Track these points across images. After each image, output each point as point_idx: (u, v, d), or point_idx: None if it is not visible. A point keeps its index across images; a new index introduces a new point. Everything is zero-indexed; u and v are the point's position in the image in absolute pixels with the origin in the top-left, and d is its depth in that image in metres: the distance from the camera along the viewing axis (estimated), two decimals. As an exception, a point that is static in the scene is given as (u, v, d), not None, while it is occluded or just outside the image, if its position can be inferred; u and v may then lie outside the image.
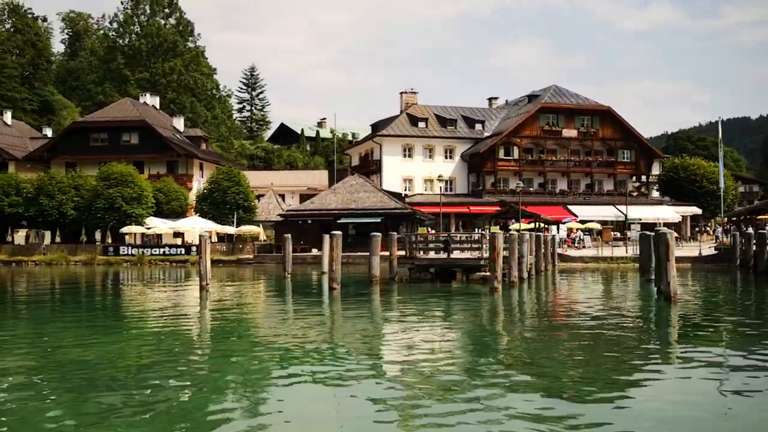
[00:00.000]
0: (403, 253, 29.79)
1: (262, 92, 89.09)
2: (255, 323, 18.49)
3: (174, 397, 9.75)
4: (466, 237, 31.14)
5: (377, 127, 67.24)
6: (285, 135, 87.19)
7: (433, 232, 50.70)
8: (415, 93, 67.26)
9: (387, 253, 30.14)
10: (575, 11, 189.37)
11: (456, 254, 27.95)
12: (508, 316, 19.35)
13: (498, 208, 59.11)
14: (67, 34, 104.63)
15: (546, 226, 48.23)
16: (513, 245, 23.67)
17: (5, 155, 61.18)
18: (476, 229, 49.42)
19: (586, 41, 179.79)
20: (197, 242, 54.60)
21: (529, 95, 67.84)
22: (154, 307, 22.73)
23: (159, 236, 54.96)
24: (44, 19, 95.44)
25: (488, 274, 26.58)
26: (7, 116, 67.97)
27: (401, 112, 66.26)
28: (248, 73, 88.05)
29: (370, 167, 63.67)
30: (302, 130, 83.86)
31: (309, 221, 48.52)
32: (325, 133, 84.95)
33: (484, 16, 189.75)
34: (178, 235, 56.06)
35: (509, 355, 12.96)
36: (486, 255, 26.26)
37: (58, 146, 60.70)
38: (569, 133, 63.67)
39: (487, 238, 27.58)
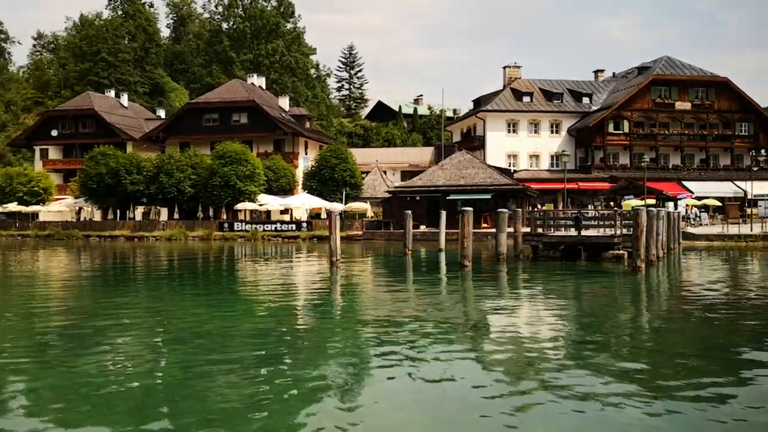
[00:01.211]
0: (527, 230, 29.28)
1: (360, 71, 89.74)
2: (395, 299, 18.43)
3: (306, 375, 9.55)
4: (599, 213, 30.26)
5: (479, 103, 66.43)
6: (382, 112, 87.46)
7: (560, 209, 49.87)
8: (518, 67, 65.90)
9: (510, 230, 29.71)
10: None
11: (586, 232, 27.26)
12: (656, 296, 18.72)
13: (608, 185, 57.54)
14: (171, 18, 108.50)
15: (661, 202, 46.46)
16: (652, 222, 22.84)
17: (124, 135, 64.26)
18: (589, 206, 48.13)
19: (685, 10, 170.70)
20: (304, 218, 56.42)
21: (638, 67, 65.18)
22: (290, 282, 23.39)
23: (267, 212, 56.53)
24: (150, 5, 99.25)
25: (622, 252, 25.89)
26: (124, 98, 71.27)
27: (504, 86, 65.13)
28: (346, 53, 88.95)
29: (473, 143, 63.00)
30: (400, 107, 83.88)
31: (417, 198, 48.55)
32: (422, 110, 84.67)
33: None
34: (285, 212, 57.51)
35: (659, 343, 12.04)
36: (620, 232, 25.51)
37: (173, 126, 63.19)
38: (683, 105, 60.89)
39: (620, 214, 26.81)
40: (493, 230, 46.61)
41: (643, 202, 45.23)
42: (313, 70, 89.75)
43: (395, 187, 51.08)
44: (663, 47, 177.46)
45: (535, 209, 47.25)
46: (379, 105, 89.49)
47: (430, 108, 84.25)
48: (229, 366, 10.10)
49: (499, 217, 27.02)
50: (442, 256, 33.39)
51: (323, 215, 51.84)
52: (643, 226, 21.45)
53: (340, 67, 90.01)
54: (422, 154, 69.63)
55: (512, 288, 20.44)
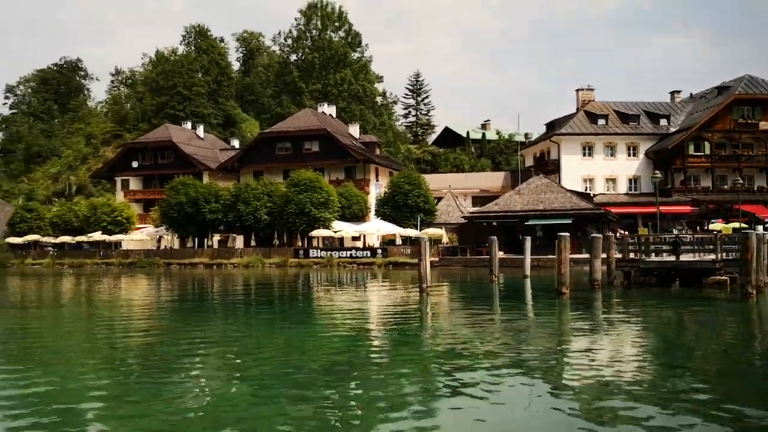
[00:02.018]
0: (619, 255, 28.38)
1: (426, 97, 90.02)
2: (494, 329, 17.95)
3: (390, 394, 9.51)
4: (698, 238, 29.12)
5: (553, 126, 65.54)
6: (449, 138, 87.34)
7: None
8: (592, 89, 64.86)
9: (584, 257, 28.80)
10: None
11: (683, 256, 26.22)
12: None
13: (690, 208, 55.68)
14: (240, 52, 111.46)
15: (752, 225, 44.54)
16: (761, 246, 21.77)
17: (200, 166, 65.93)
18: (674, 230, 46.54)
19: (751, 27, 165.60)
20: (376, 244, 56.51)
21: (718, 87, 63.19)
22: (380, 309, 23.19)
23: (340, 239, 56.77)
24: (221, 40, 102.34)
25: (724, 278, 24.77)
26: (200, 130, 73.29)
27: (578, 109, 64.13)
28: (413, 79, 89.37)
29: (547, 167, 62.03)
30: (468, 132, 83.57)
31: (494, 223, 47.94)
32: (490, 135, 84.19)
33: (642, 7, 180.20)
34: (356, 238, 57.67)
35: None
36: (721, 257, 24.44)
37: (247, 156, 64.49)
38: (767, 125, 58.61)
39: (720, 238, 25.72)
40: (575, 256, 45.73)
41: (730, 226, 43.50)
42: (379, 98, 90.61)
43: (471, 212, 50.64)
44: (736, 66, 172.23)
45: (622, 234, 46.00)
46: (446, 131, 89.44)
47: (498, 133, 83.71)
48: (314, 391, 10.05)
49: (593, 243, 26.24)
50: (528, 283, 32.72)
51: (398, 241, 51.78)
52: (753, 249, 20.44)
53: (406, 94, 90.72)
54: (493, 180, 68.97)
55: (614, 317, 19.67)
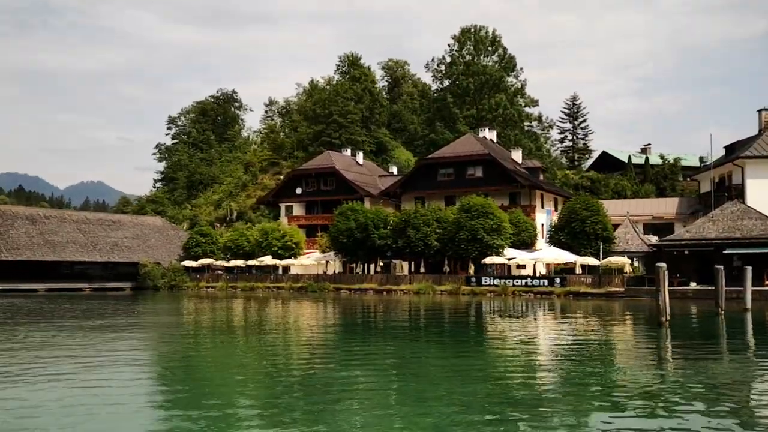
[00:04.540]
0: None
1: (583, 121, 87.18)
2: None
3: None
4: None
5: (733, 150, 61.18)
6: (607, 163, 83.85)
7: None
8: (777, 109, 60.08)
9: None
10: None
11: None
12: None
13: None
14: (386, 81, 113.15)
15: None
16: None
17: (362, 192, 66.74)
18: None
19: None
20: (541, 272, 54.54)
21: None
22: (612, 346, 21.60)
23: (508, 267, 55.15)
24: (368, 69, 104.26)
25: None
26: (359, 157, 74.49)
27: (760, 131, 59.55)
28: (570, 102, 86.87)
29: (729, 192, 57.73)
30: (629, 157, 79.85)
31: (685, 252, 44.82)
32: (653, 160, 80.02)
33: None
34: (521, 266, 55.87)
35: None
36: None
37: (408, 182, 64.61)
38: None
39: None
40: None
41: None
42: (535, 122, 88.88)
43: (660, 240, 47.69)
44: None
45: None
46: (604, 155, 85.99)
47: (662, 157, 79.37)
48: None
49: None
50: (749, 317, 29.96)
51: (578, 270, 49.63)
52: None
53: (562, 118, 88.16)
54: (667, 206, 65.19)
55: None
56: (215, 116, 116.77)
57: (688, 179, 76.33)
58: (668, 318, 24.13)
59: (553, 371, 16.10)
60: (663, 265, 24.66)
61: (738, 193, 56.93)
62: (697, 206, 62.91)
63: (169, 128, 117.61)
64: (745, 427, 10.24)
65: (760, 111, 60.68)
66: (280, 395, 13.12)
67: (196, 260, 64.48)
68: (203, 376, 15.89)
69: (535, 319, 32.58)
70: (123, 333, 25.74)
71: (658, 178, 77.73)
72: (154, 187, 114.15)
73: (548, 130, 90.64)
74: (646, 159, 79.93)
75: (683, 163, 79.22)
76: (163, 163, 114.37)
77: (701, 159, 75.64)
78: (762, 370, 16.06)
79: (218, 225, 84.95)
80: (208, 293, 57.88)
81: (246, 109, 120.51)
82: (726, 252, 43.04)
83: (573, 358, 18.12)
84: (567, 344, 21.51)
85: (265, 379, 15.24)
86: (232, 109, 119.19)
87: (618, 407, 11.80)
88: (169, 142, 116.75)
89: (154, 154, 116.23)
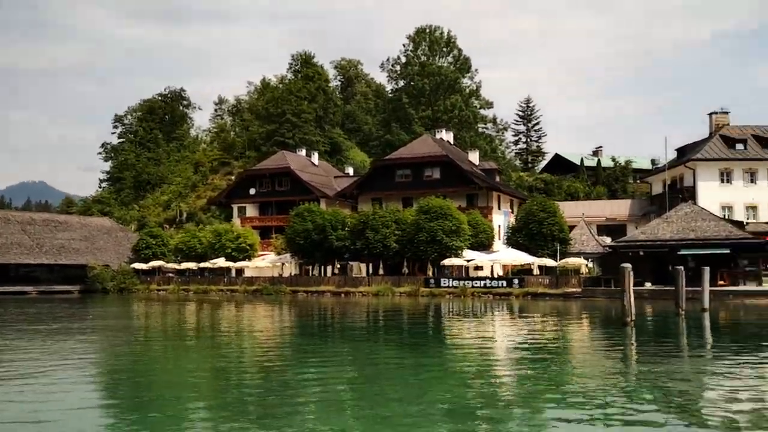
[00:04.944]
0: None
1: (537, 123, 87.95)
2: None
3: None
4: None
5: (684, 152, 62.55)
6: (559, 165, 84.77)
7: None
8: (726, 113, 61.64)
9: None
10: None
11: None
12: None
13: None
14: (339, 81, 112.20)
15: None
16: None
17: (318, 193, 65.81)
18: None
19: None
20: (498, 274, 54.64)
21: None
22: (580, 347, 21.46)
23: (462, 268, 54.95)
24: (321, 67, 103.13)
25: None
26: (314, 157, 73.48)
27: (711, 134, 61.01)
28: (524, 105, 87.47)
29: (681, 194, 58.94)
30: (582, 159, 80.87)
31: (640, 252, 45.35)
32: (605, 162, 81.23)
33: (743, 34, 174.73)
34: (478, 267, 55.90)
35: None
36: None
37: (365, 183, 63.95)
38: None
39: None
40: (733, 288, 42.73)
41: None
42: (490, 124, 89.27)
43: (616, 241, 48.19)
44: None
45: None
46: (556, 158, 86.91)
47: (614, 159, 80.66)
48: None
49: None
50: (706, 317, 30.30)
51: (535, 271, 49.78)
52: None
53: (516, 121, 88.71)
54: (619, 208, 66.21)
55: None
56: (163, 115, 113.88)
57: (639, 181, 77.78)
58: (633, 318, 24.12)
59: (518, 373, 16.14)
60: (628, 265, 24.67)
61: (690, 194, 58.14)
62: (649, 208, 64.07)
63: (115, 127, 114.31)
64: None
65: (710, 114, 62.17)
66: (232, 400, 13.08)
67: (147, 262, 62.56)
68: (154, 380, 15.74)
69: (493, 320, 32.54)
70: (74, 337, 24.58)
71: (609, 180, 78.96)
72: (100, 188, 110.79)
73: (503, 132, 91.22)
74: (598, 161, 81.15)
75: (634, 165, 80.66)
76: (110, 163, 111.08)
77: (653, 161, 77.19)
78: (727, 368, 15.96)
79: (167, 226, 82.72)
80: (160, 296, 56.18)
81: (195, 107, 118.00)
82: (680, 253, 43.72)
83: (535, 358, 18.02)
84: (532, 345, 21.27)
85: (218, 383, 15.21)
86: (181, 107, 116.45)
87: (580, 407, 11.75)
88: (115, 141, 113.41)
89: (100, 153, 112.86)
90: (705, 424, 10.62)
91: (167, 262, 62.90)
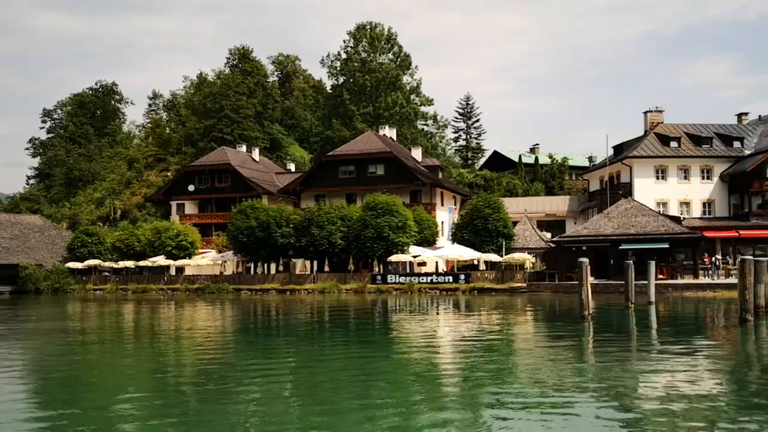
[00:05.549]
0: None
1: (477, 120, 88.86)
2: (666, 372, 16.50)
3: None
4: None
5: (620, 149, 64.33)
6: (498, 162, 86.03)
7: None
8: (660, 111, 63.71)
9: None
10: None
11: None
12: None
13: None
14: (277, 76, 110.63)
15: None
16: None
17: (259, 189, 64.69)
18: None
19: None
20: (441, 269, 54.95)
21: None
22: (538, 340, 21.70)
23: (407, 264, 55.06)
24: (260, 62, 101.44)
25: None
26: (255, 153, 72.25)
27: (646, 132, 62.96)
28: (463, 102, 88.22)
29: (617, 191, 60.60)
30: (520, 156, 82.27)
31: (583, 248, 46.40)
32: (542, 159, 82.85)
33: (669, 35, 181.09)
34: (422, 264, 56.11)
35: None
36: None
37: (308, 179, 63.26)
38: None
39: None
40: (672, 281, 44.21)
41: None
42: (431, 121, 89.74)
43: (560, 236, 49.14)
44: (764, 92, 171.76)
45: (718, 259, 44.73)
46: (495, 155, 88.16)
47: (551, 156, 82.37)
48: None
49: (757, 267, 24.67)
50: (653, 310, 31.19)
51: (482, 266, 50.29)
52: None
53: (456, 118, 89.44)
54: (558, 204, 67.62)
55: None
56: (94, 109, 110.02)
57: (575, 178, 79.66)
58: (590, 312, 24.53)
59: (464, 366, 16.42)
60: (585, 260, 25.10)
61: (627, 191, 59.83)
62: (587, 204, 65.65)
63: (44, 121, 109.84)
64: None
65: (645, 113, 64.13)
66: (171, 402, 12.83)
67: (82, 261, 60.29)
68: (89, 383, 15.38)
69: (438, 315, 32.89)
70: (6, 340, 23.47)
71: (546, 176, 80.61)
72: (28, 184, 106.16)
73: (443, 129, 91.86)
74: (536, 158, 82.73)
75: (570, 162, 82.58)
76: (38, 159, 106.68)
77: (590, 159, 79.12)
78: (679, 359, 16.40)
79: (101, 224, 79.90)
80: (96, 296, 54.27)
81: (127, 102, 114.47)
82: (621, 247, 44.96)
83: (483, 353, 18.27)
84: (477, 339, 21.44)
85: (155, 384, 14.90)
86: (113, 102, 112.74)
87: (546, 404, 11.92)
88: (44, 136, 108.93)
89: (27, 149, 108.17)
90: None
91: (104, 260, 60.73)
